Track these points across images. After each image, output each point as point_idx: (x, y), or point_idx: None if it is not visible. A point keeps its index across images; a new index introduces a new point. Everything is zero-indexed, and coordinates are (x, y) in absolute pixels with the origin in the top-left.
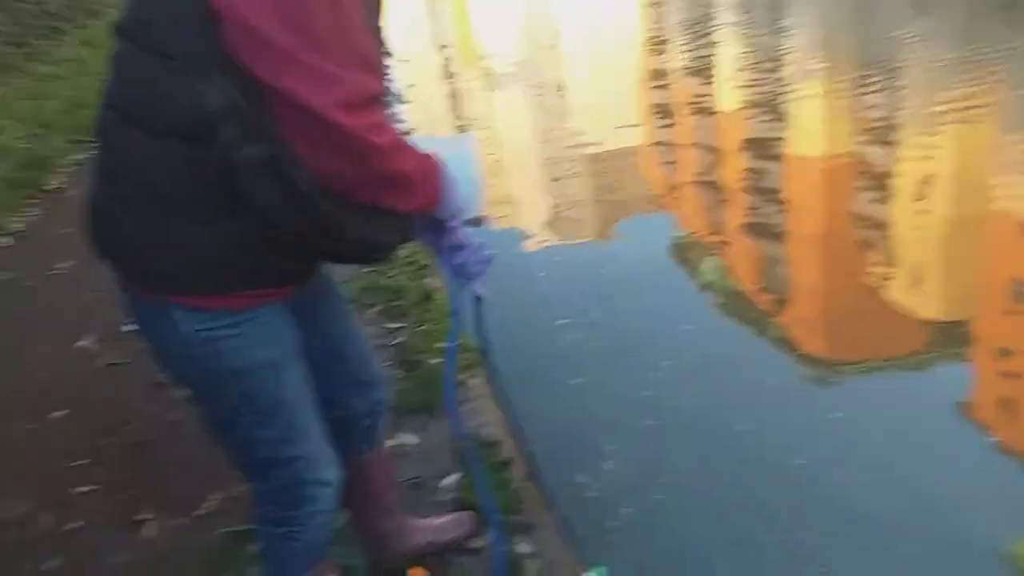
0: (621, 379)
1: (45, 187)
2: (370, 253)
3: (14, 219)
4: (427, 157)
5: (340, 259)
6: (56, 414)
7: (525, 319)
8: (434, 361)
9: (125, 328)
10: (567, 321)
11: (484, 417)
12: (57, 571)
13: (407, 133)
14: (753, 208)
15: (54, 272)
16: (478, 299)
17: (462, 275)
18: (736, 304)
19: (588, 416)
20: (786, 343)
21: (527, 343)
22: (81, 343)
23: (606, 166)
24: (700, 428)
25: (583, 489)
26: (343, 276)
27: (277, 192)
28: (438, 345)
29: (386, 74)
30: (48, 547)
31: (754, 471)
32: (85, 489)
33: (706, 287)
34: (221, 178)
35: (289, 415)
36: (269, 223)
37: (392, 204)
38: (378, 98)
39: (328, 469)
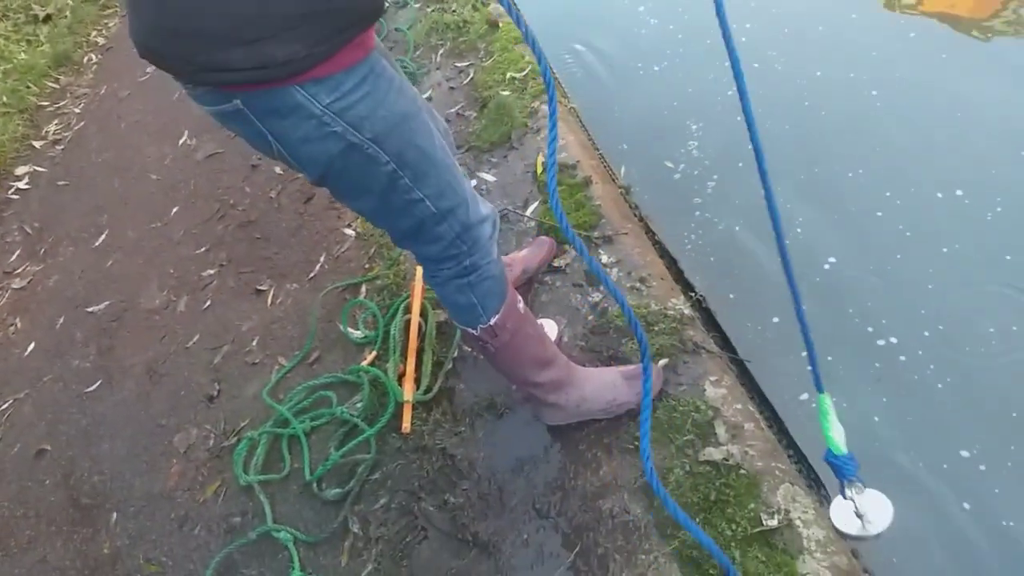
0: (705, 56)
1: None
2: None
3: (98, 33)
4: None
5: None
6: (174, 209)
7: (605, 5)
8: (505, 92)
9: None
10: (648, 6)
11: (562, 140)
12: (198, 345)
13: None
14: None
15: (144, 78)
16: None
17: None
18: None
19: (671, 101)
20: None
21: (609, 31)
22: (181, 141)
23: None
24: (788, 89)
25: (670, 173)
26: (407, 21)
27: None
28: (510, 75)
29: None
30: (188, 326)
31: (847, 123)
32: (211, 271)
33: None
34: None
35: (439, 163)
36: None
37: None
38: None
39: (482, 203)
